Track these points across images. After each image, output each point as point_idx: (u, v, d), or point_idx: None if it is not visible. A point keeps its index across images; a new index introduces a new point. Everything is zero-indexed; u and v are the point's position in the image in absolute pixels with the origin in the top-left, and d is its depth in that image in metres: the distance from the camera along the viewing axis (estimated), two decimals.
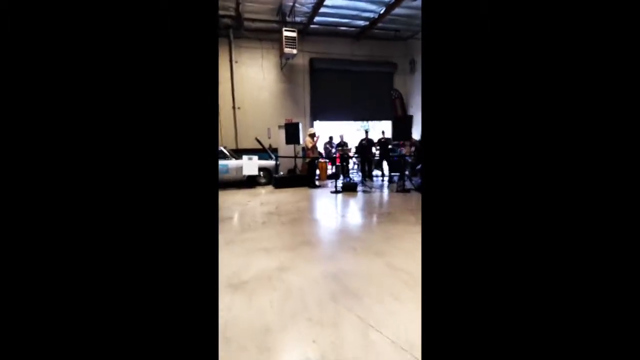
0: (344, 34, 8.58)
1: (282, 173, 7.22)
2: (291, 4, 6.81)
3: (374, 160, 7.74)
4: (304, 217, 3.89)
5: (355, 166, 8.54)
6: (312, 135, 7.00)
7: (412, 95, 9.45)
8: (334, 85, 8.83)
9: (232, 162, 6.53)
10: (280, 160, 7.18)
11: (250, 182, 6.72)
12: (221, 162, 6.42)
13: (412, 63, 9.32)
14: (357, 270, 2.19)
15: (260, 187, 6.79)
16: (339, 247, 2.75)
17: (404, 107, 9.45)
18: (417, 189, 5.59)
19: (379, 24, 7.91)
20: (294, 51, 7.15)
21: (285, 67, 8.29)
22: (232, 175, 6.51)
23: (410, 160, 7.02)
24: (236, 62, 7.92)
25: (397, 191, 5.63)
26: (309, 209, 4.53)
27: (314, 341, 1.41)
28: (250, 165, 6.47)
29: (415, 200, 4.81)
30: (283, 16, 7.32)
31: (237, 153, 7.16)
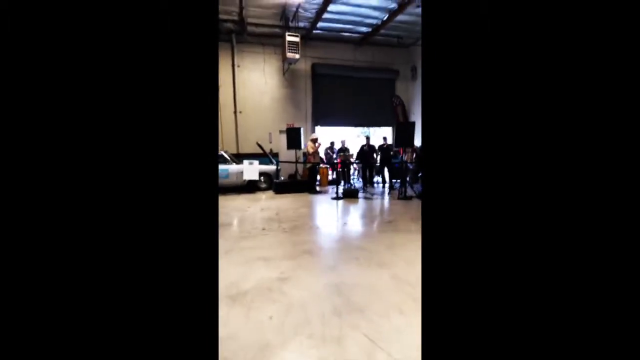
0: (346, 40, 8.60)
1: (282, 178, 7.16)
2: (294, 9, 6.83)
3: (375, 167, 7.67)
4: (305, 224, 3.80)
5: (356, 172, 8.48)
6: (315, 141, 6.95)
7: (413, 102, 9.44)
8: (335, 91, 8.82)
9: (233, 167, 6.47)
10: (281, 165, 7.12)
11: (250, 187, 6.64)
12: (222, 167, 6.35)
13: (414, 70, 9.33)
14: (361, 282, 2.10)
15: (261, 192, 6.71)
16: (341, 256, 2.66)
17: (405, 114, 9.44)
18: (419, 196, 5.51)
19: (382, 31, 7.93)
20: (297, 56, 7.14)
21: (288, 72, 8.29)
22: (232, 180, 6.43)
23: (411, 167, 6.96)
24: (238, 66, 7.92)
25: (399, 198, 5.55)
26: (310, 215, 4.45)
27: None
28: (251, 170, 6.40)
29: (417, 207, 4.72)
30: (286, 21, 7.33)
31: (238, 157, 7.10)
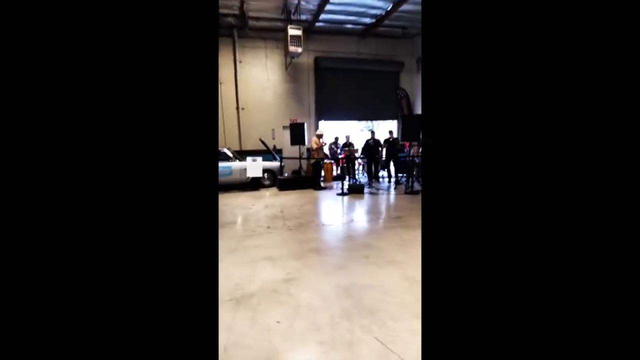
0: (349, 32, 8.40)
1: (286, 175, 7.07)
2: (296, 1, 6.66)
3: (381, 161, 7.53)
4: (310, 222, 3.71)
5: (361, 167, 8.35)
6: (320, 136, 6.83)
7: (418, 95, 9.23)
8: (339, 85, 8.65)
9: (236, 164, 6.39)
10: (284, 161, 7.02)
11: (254, 184, 6.57)
12: (224, 164, 6.28)
13: (419, 62, 9.10)
14: (371, 283, 2.00)
15: (265, 189, 6.64)
16: (350, 255, 2.57)
17: (410, 107, 9.24)
18: None
19: (386, 22, 7.72)
20: (299, 50, 6.98)
21: (290, 66, 8.14)
22: (235, 177, 6.36)
23: (418, 161, 6.81)
24: (240, 62, 7.79)
25: (406, 193, 5.43)
26: (316, 212, 4.36)
27: None
28: (254, 167, 6.32)
29: None
30: (288, 14, 7.16)
31: (241, 154, 7.03)
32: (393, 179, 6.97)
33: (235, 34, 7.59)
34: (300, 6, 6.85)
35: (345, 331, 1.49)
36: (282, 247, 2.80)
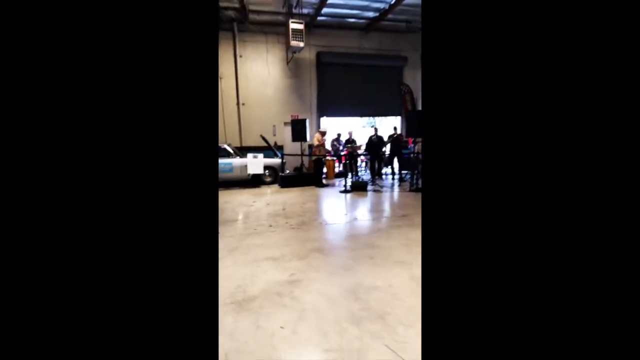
0: (352, 27, 8.25)
1: (288, 171, 6.97)
2: None
3: (384, 158, 7.43)
4: (313, 220, 3.63)
5: (363, 164, 8.25)
6: (324, 134, 6.73)
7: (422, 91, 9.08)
8: (341, 80, 8.51)
9: (237, 161, 6.29)
10: (286, 158, 6.92)
11: (255, 181, 6.48)
12: (225, 161, 6.18)
13: None
14: (378, 284, 1.92)
15: (266, 186, 6.55)
16: (355, 255, 2.48)
17: (414, 103, 9.10)
18: None
19: (389, 15, 7.56)
20: (301, 44, 6.84)
21: (291, 61, 8.01)
22: (236, 174, 6.27)
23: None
24: (240, 56, 7.66)
25: (410, 190, 5.33)
26: (318, 210, 4.27)
27: None
28: (255, 164, 6.22)
29: None
30: (289, 8, 7.02)
31: (242, 151, 6.92)
32: (397, 176, 6.87)
33: (236, 28, 7.45)
34: None
35: (353, 338, 1.40)
36: (285, 246, 2.71)
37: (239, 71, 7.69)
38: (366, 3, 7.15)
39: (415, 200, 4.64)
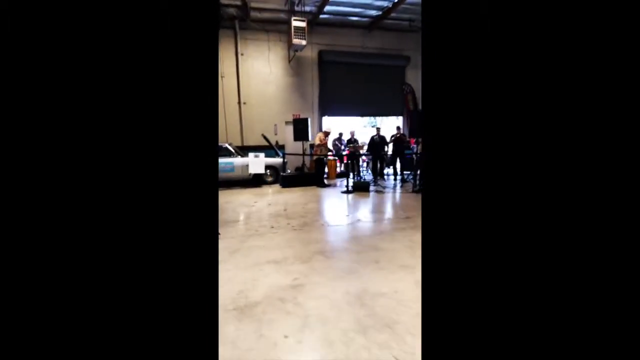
0: (354, 25, 8.17)
1: (289, 171, 6.91)
2: None
3: (386, 158, 7.36)
4: (315, 221, 3.57)
5: (365, 164, 8.18)
6: (327, 134, 6.68)
7: None
8: (343, 79, 8.44)
9: (238, 160, 6.24)
10: (287, 157, 6.86)
11: (256, 181, 6.42)
12: (227, 160, 6.12)
13: None
14: (384, 290, 1.86)
15: (267, 185, 6.50)
16: (358, 258, 2.42)
17: (416, 103, 9.00)
18: None
19: (392, 14, 7.49)
20: (303, 42, 6.77)
21: (293, 59, 7.94)
22: (237, 173, 6.21)
23: None
24: (242, 54, 7.59)
25: (413, 191, 5.27)
26: (320, 211, 4.21)
27: None
28: (256, 163, 6.16)
29: None
30: (292, 5, 6.95)
31: (243, 150, 6.87)
32: (399, 177, 6.81)
33: (237, 26, 7.38)
34: None
35: (360, 348, 1.34)
36: (287, 248, 2.66)
37: (240, 69, 7.62)
38: (369, 1, 7.07)
39: (418, 201, 4.57)
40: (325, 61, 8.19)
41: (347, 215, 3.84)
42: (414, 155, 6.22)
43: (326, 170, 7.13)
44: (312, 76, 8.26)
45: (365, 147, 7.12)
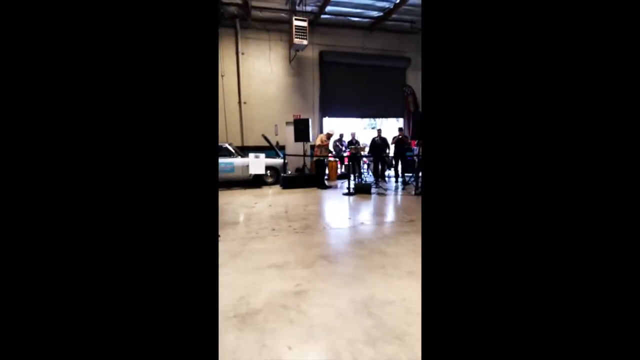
0: (355, 26, 8.13)
1: (290, 172, 6.84)
2: None
3: (388, 160, 7.30)
4: (317, 224, 3.50)
5: (366, 166, 8.12)
6: (330, 136, 6.62)
7: None
8: (344, 80, 8.39)
9: (238, 160, 6.16)
10: (288, 158, 6.79)
11: (256, 182, 6.35)
12: (227, 160, 6.05)
13: None
14: (391, 298, 1.79)
15: (267, 186, 6.42)
16: (363, 263, 2.35)
17: (417, 105, 8.98)
18: None
19: (393, 15, 7.45)
20: (305, 42, 6.71)
21: (294, 59, 7.88)
22: (238, 174, 6.14)
23: None
24: (242, 54, 7.52)
25: (415, 194, 5.21)
26: (322, 213, 4.14)
27: None
28: (257, 164, 6.09)
29: None
30: (293, 4, 6.89)
31: (243, 150, 6.79)
32: (400, 179, 6.75)
33: (238, 25, 7.31)
34: None
35: None
36: (289, 251, 2.59)
37: (241, 69, 7.55)
38: (370, 2, 7.03)
39: (421, 205, 4.51)
40: (326, 62, 8.14)
41: (349, 218, 3.77)
42: (415, 158, 6.16)
43: (327, 171, 7.07)
44: (313, 76, 8.20)
45: (367, 149, 7.06)
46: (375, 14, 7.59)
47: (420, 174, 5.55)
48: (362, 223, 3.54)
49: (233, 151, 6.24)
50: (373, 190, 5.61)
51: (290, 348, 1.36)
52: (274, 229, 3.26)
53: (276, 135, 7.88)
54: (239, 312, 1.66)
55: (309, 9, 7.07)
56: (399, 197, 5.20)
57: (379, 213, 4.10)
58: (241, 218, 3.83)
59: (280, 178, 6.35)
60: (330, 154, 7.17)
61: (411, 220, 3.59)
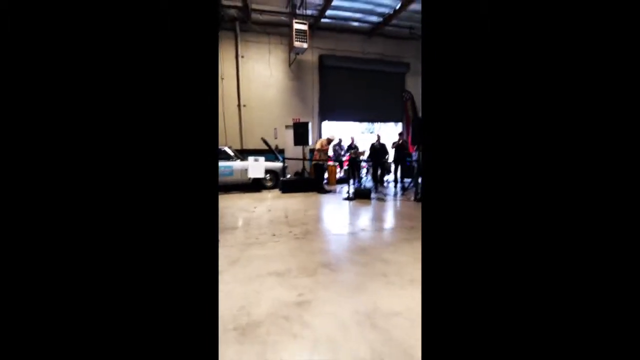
0: (355, 30, 8.16)
1: (289, 176, 6.79)
2: None
3: (387, 165, 7.29)
4: (317, 229, 3.45)
5: (364, 170, 8.10)
6: (330, 141, 6.59)
7: None
8: (343, 84, 8.40)
9: (237, 164, 6.10)
10: (287, 162, 6.74)
11: (256, 186, 6.28)
12: (226, 164, 5.98)
13: None
14: (397, 309, 1.74)
15: (267, 190, 6.36)
16: (366, 271, 2.31)
17: (416, 110, 8.99)
18: None
19: (393, 21, 7.49)
20: (305, 45, 6.71)
21: (294, 63, 7.87)
22: (236, 177, 6.07)
23: None
24: (242, 57, 7.50)
25: (416, 200, 5.18)
26: (322, 218, 4.09)
27: None
28: (256, 167, 6.03)
29: None
30: (293, 8, 6.90)
31: (242, 154, 6.73)
32: (399, 185, 6.73)
33: (238, 28, 7.30)
34: (307, 0, 6.58)
35: None
36: (290, 258, 2.53)
37: (240, 72, 7.52)
38: (371, 7, 7.06)
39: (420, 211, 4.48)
40: (325, 66, 8.14)
41: (350, 224, 3.73)
42: (414, 163, 6.15)
43: (326, 175, 7.03)
44: (313, 80, 8.20)
45: (367, 154, 7.04)
46: (375, 19, 7.62)
47: (419, 180, 5.53)
48: (362, 229, 3.49)
49: (232, 154, 6.18)
50: (373, 195, 5.58)
51: None
52: (274, 235, 3.20)
53: (275, 138, 7.84)
54: (239, 323, 1.60)
55: (309, 12, 7.08)
56: (398, 203, 5.17)
57: (379, 219, 4.07)
58: (240, 223, 3.77)
59: (279, 182, 6.30)
60: (329, 159, 7.14)
61: (412, 227, 3.55)
